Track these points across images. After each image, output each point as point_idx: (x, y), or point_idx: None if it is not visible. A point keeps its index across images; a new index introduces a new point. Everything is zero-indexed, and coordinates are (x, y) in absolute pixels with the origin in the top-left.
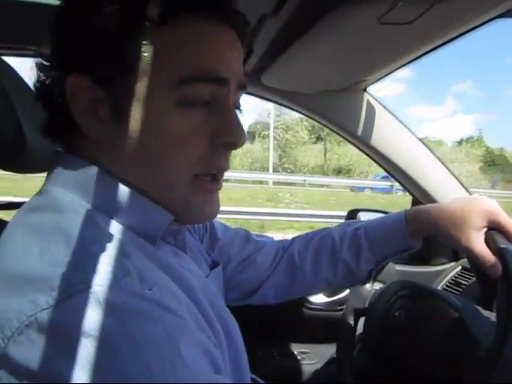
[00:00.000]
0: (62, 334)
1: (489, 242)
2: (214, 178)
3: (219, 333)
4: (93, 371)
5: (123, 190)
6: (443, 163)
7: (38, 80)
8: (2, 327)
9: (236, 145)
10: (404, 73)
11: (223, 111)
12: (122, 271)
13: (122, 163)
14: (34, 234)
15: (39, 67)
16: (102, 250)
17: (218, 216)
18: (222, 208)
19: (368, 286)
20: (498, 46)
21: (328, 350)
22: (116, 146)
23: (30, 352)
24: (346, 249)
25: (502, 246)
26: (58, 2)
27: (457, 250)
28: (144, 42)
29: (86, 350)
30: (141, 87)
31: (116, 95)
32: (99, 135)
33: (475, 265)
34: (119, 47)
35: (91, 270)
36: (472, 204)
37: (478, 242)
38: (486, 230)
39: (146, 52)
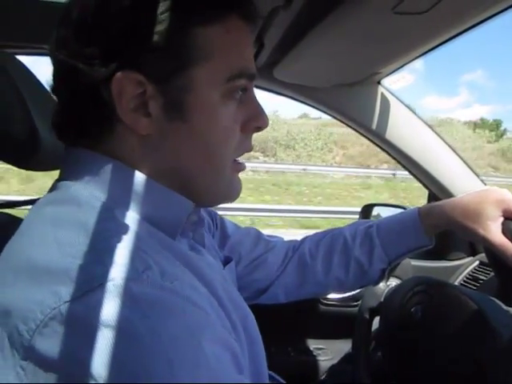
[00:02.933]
0: (85, 326)
1: (506, 232)
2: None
3: (238, 328)
4: (115, 362)
5: (144, 181)
6: (459, 155)
7: (66, 76)
8: (25, 319)
9: (263, 127)
10: (413, 63)
11: (251, 100)
12: (143, 264)
13: (170, 158)
14: (52, 225)
15: (84, 65)
16: (122, 243)
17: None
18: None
19: (382, 284)
20: (508, 33)
21: (343, 346)
22: (166, 141)
23: (55, 344)
24: (358, 247)
25: None
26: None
27: (474, 245)
28: (198, 39)
29: (108, 341)
30: (195, 82)
31: (169, 91)
32: (148, 131)
33: (494, 258)
34: (174, 45)
35: (111, 262)
36: (485, 195)
37: (495, 233)
38: (502, 220)
39: (198, 50)
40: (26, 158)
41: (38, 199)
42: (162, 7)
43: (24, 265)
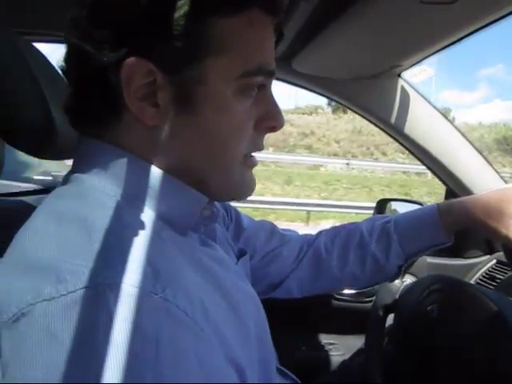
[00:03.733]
0: (52, 330)
1: None
2: (252, 155)
3: (249, 328)
4: (66, 372)
5: (158, 175)
6: (480, 152)
7: (76, 60)
8: (0, 310)
9: (277, 128)
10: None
11: (267, 98)
12: (136, 267)
13: (180, 151)
14: (55, 221)
15: (94, 49)
16: (121, 244)
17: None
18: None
19: (397, 281)
20: None
21: (356, 342)
22: (176, 134)
23: (17, 343)
24: (375, 243)
25: None
26: None
27: (491, 243)
28: (214, 31)
29: (63, 350)
30: (208, 75)
31: (182, 82)
32: (155, 122)
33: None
34: (190, 32)
35: (103, 264)
36: (508, 193)
37: None
38: None
39: (216, 40)
40: (42, 146)
41: (53, 188)
42: None
43: (20, 257)
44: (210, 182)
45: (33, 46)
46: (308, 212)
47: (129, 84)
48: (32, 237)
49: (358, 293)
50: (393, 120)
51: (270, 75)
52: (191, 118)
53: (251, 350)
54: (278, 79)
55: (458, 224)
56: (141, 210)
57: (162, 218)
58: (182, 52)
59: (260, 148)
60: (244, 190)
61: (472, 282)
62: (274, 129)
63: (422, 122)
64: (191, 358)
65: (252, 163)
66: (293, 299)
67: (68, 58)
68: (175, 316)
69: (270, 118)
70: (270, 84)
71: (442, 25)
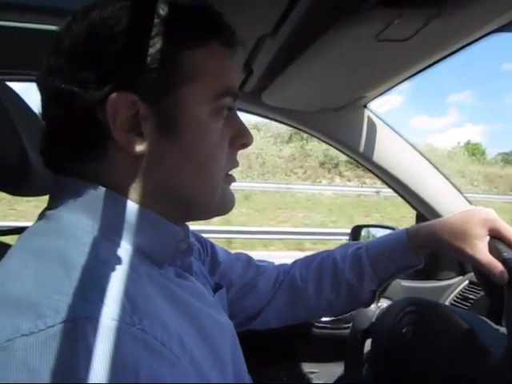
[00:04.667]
0: (31, 364)
1: (492, 250)
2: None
3: (224, 359)
4: None
5: (135, 209)
6: (446, 177)
7: (59, 101)
8: None
9: (248, 144)
10: (401, 85)
11: (236, 118)
12: (113, 301)
13: (163, 175)
14: (33, 259)
15: (65, 88)
16: (98, 279)
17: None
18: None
19: (372, 306)
20: (493, 55)
21: (337, 369)
22: (160, 159)
23: None
24: (349, 269)
25: (505, 254)
26: (55, 28)
27: (463, 264)
28: (184, 63)
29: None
30: (186, 102)
31: (161, 110)
32: (142, 150)
33: (482, 277)
34: (164, 67)
35: (81, 299)
36: (471, 215)
37: (482, 251)
38: (488, 239)
39: (186, 71)
40: (18, 184)
41: (27, 227)
42: (151, 32)
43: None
44: (195, 201)
45: (6, 84)
46: None
47: (115, 118)
48: (10, 275)
49: (336, 319)
50: (361, 149)
51: (235, 97)
52: (174, 143)
53: (227, 378)
54: (248, 112)
55: (426, 246)
56: (118, 244)
57: (138, 252)
58: (160, 82)
59: (236, 165)
60: (227, 205)
61: (447, 302)
62: (245, 145)
63: (389, 150)
64: None
65: (231, 180)
66: (271, 330)
67: (48, 101)
68: (153, 346)
69: (242, 136)
70: (235, 106)
71: (400, 59)
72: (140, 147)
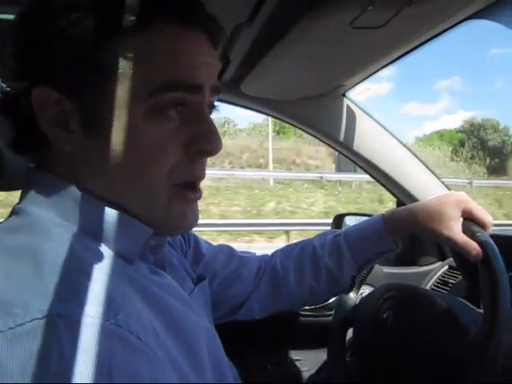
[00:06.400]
0: (1, 362)
1: (466, 231)
2: (193, 186)
3: (200, 353)
4: None
5: (100, 207)
6: (426, 165)
7: (2, 92)
8: None
9: (212, 152)
10: (390, 71)
11: (198, 118)
12: (86, 297)
13: (98, 177)
14: (3, 256)
15: (3, 79)
16: (70, 275)
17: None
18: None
19: (353, 294)
20: (481, 39)
21: (321, 355)
22: (90, 159)
23: None
24: (328, 255)
25: (479, 234)
26: (12, 17)
27: (443, 250)
28: (115, 52)
29: (13, 381)
30: (112, 98)
31: (86, 107)
32: (71, 148)
33: (460, 260)
34: (89, 57)
35: (52, 296)
36: (445, 198)
37: (457, 231)
38: (461, 220)
39: (117, 62)
40: None
41: None
42: (73, 16)
43: None
44: (137, 213)
45: None
46: None
47: (42, 112)
48: None
49: (319, 307)
50: (341, 138)
51: (191, 90)
52: (101, 143)
53: (205, 373)
54: (227, 102)
55: (402, 229)
56: (87, 240)
57: (109, 249)
58: (84, 77)
59: (197, 176)
60: (175, 223)
61: (427, 287)
62: (207, 153)
63: (369, 138)
64: (145, 381)
65: (185, 196)
66: (254, 319)
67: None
68: (128, 341)
69: (201, 141)
70: (202, 101)
71: (375, 47)
72: (67, 144)
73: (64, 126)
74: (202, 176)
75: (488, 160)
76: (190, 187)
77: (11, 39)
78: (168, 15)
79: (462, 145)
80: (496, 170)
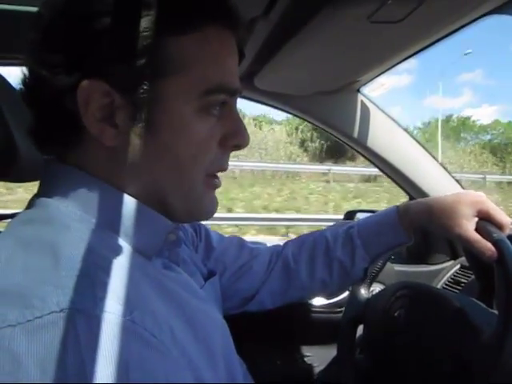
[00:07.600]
0: (17, 354)
1: (480, 230)
2: (216, 176)
3: (214, 350)
4: None
5: (122, 201)
6: (438, 161)
7: (33, 84)
8: None
9: (243, 146)
10: (410, 64)
11: (232, 116)
12: (103, 292)
13: (139, 171)
14: (22, 248)
15: (37, 71)
16: (88, 269)
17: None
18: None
19: (364, 291)
20: (503, 31)
21: (331, 352)
22: (133, 154)
23: None
24: (340, 248)
25: (495, 234)
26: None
27: (455, 248)
28: (169, 52)
29: (28, 374)
30: (164, 95)
31: (137, 103)
32: (115, 142)
33: (472, 259)
34: (142, 55)
35: (70, 290)
36: (461, 196)
37: (470, 230)
38: (476, 220)
39: (171, 61)
40: (4, 168)
41: (17, 214)
42: (132, 15)
43: None
44: (173, 203)
45: None
46: None
47: (86, 106)
48: (2, 265)
49: (329, 304)
50: (354, 133)
51: (233, 93)
52: (150, 139)
53: (219, 372)
54: (241, 97)
55: (415, 222)
56: (106, 234)
57: (128, 244)
58: (139, 73)
59: (224, 168)
60: (203, 211)
61: (439, 286)
62: (238, 147)
63: (382, 135)
64: (160, 378)
65: (214, 184)
66: (265, 314)
67: (25, 81)
68: (143, 338)
69: (235, 136)
70: (235, 101)
71: (393, 42)
72: (113, 139)
73: (109, 120)
74: (227, 167)
75: None
76: (215, 176)
77: (62, 34)
78: (213, 18)
79: None
80: None
